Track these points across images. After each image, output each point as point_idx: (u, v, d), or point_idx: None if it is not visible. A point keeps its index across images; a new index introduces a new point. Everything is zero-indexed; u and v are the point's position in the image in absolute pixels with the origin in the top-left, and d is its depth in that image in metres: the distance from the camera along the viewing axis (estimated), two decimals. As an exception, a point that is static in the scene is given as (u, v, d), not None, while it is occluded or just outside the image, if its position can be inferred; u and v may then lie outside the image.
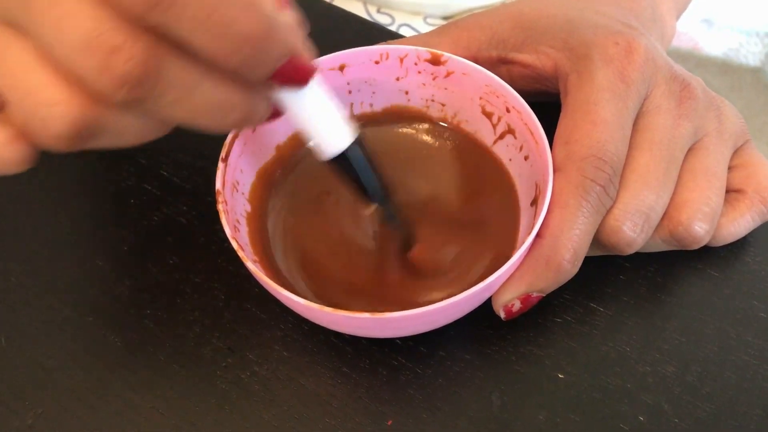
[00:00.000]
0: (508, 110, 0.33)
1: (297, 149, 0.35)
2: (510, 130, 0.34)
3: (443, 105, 0.36)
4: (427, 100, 0.36)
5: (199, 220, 0.37)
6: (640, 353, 0.32)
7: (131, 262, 0.36)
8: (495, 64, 0.36)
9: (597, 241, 0.31)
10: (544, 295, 0.31)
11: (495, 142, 0.35)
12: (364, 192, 0.29)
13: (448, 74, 0.35)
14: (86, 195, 0.38)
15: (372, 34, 0.44)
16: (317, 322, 0.31)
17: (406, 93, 0.36)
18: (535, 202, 0.32)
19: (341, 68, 0.35)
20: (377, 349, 0.33)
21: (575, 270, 0.30)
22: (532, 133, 0.32)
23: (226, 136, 0.31)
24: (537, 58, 0.35)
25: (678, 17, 0.44)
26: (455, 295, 0.27)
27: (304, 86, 0.25)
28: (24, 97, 0.22)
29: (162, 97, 0.22)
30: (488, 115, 0.35)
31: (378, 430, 0.31)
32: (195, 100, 0.22)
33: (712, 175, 0.32)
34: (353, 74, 0.35)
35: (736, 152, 0.34)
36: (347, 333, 0.33)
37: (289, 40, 0.23)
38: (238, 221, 0.31)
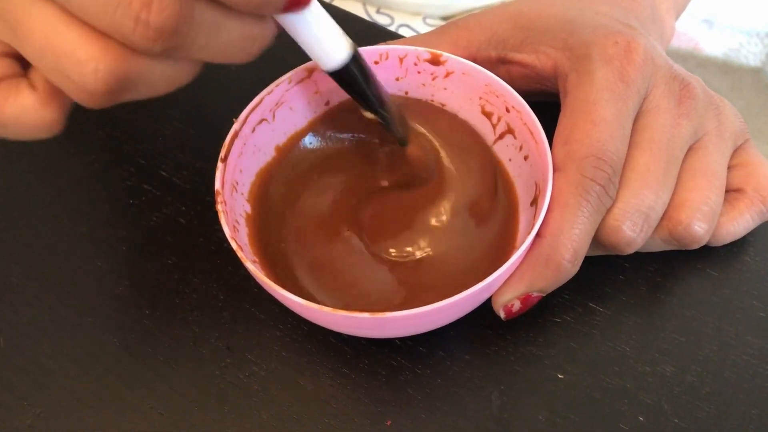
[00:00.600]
0: (507, 110, 0.33)
1: (297, 149, 0.35)
2: (510, 130, 0.34)
3: (443, 105, 0.36)
4: (426, 100, 0.36)
5: (199, 220, 0.37)
6: (639, 353, 0.32)
7: (130, 262, 0.36)
8: (494, 64, 0.36)
9: (597, 240, 0.31)
10: (544, 295, 0.31)
11: (495, 141, 0.35)
12: (364, 99, 0.31)
13: (447, 74, 0.35)
14: (86, 195, 0.38)
15: (371, 34, 0.44)
16: (316, 322, 0.30)
17: (406, 93, 0.36)
18: (534, 202, 0.32)
19: (341, 68, 0.35)
20: (376, 349, 0.33)
21: (575, 269, 0.30)
22: (531, 133, 0.32)
23: (225, 136, 0.31)
24: (536, 58, 0.35)
25: (677, 17, 0.45)
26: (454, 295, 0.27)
27: (306, 7, 0.27)
28: (57, 59, 0.22)
29: (194, 42, 0.23)
30: (488, 115, 0.35)
31: (377, 431, 0.31)
32: (222, 39, 0.24)
33: (711, 175, 0.32)
34: (353, 74, 0.35)
35: (736, 151, 0.34)
36: (346, 333, 0.33)
37: None
38: (237, 221, 0.31)
